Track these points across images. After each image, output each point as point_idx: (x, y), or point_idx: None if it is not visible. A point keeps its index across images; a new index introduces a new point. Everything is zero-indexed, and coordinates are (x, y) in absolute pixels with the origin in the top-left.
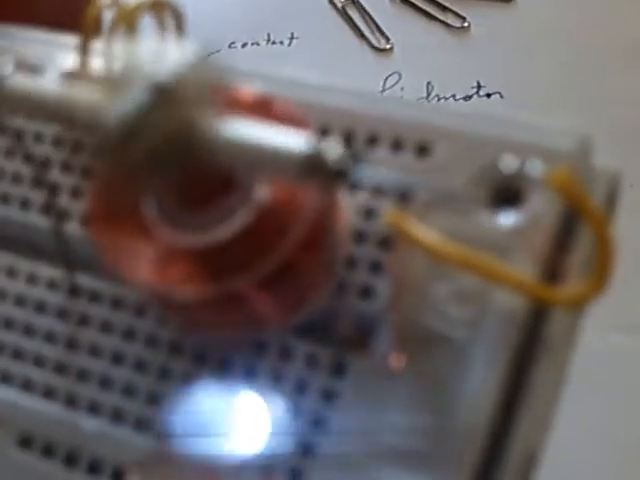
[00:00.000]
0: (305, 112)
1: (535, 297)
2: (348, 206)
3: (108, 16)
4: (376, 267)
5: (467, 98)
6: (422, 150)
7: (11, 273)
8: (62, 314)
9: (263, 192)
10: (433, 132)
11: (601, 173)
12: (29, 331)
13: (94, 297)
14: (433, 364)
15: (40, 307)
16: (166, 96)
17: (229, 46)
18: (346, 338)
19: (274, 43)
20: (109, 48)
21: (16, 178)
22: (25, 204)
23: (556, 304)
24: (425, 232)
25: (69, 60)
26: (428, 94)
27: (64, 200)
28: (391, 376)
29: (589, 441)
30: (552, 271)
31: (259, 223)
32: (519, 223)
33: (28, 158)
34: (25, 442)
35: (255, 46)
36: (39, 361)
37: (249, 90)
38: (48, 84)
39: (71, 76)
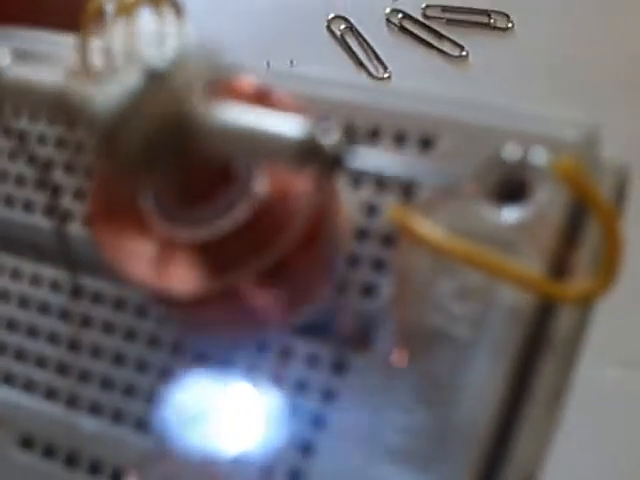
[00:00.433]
0: (307, 105)
1: (541, 293)
2: (350, 203)
3: (109, 10)
4: (379, 264)
5: None
6: (425, 142)
7: (15, 274)
8: (65, 315)
9: (261, 186)
10: (436, 124)
11: (609, 165)
12: (32, 332)
13: (96, 298)
14: (436, 362)
15: (43, 308)
16: (160, 82)
17: None
18: (347, 337)
19: None
20: (108, 40)
21: (20, 180)
22: (29, 206)
23: (563, 301)
24: (428, 228)
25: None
26: None
27: (67, 201)
28: (393, 375)
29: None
30: (559, 267)
31: (258, 218)
32: (524, 217)
33: (31, 159)
34: (26, 443)
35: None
36: (41, 362)
37: (247, 80)
38: (44, 75)
39: (72, 72)
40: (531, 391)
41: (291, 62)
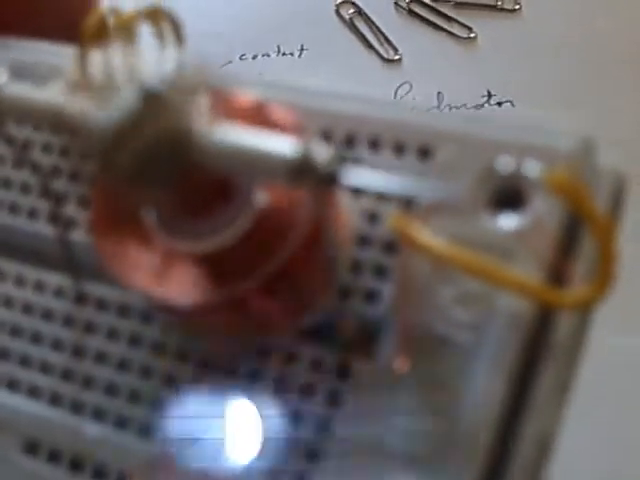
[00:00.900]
0: (306, 117)
1: (540, 300)
2: (351, 210)
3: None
4: (380, 271)
5: (478, 107)
6: (424, 153)
7: (19, 281)
8: (69, 321)
9: (261, 198)
10: (435, 135)
11: (606, 174)
12: (36, 338)
13: (100, 304)
14: (438, 368)
15: (47, 314)
16: (157, 100)
17: (240, 58)
18: (351, 342)
19: (284, 54)
20: (106, 55)
21: (24, 188)
22: (33, 214)
23: (561, 307)
24: (429, 236)
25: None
26: (439, 104)
27: (71, 209)
28: (396, 379)
29: (594, 444)
30: (556, 274)
31: (258, 229)
32: (521, 225)
33: (35, 167)
34: (30, 448)
35: (266, 57)
36: (45, 368)
37: (244, 97)
38: (42, 92)
39: (72, 86)
40: (532, 395)
41: (302, 47)
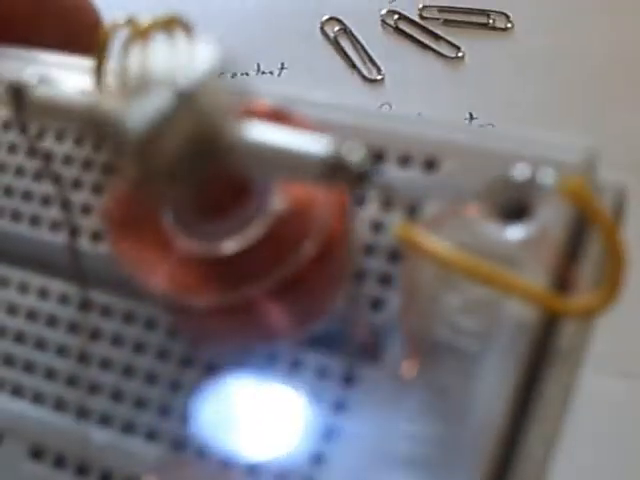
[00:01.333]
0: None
1: (547, 307)
2: (357, 220)
3: (121, 35)
4: (386, 279)
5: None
6: (429, 165)
7: (22, 288)
8: (74, 328)
9: (278, 203)
10: (440, 147)
11: (607, 188)
12: (41, 344)
13: (105, 311)
14: (444, 374)
15: (52, 321)
16: (188, 102)
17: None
18: (357, 349)
19: (264, 73)
20: (124, 65)
21: (26, 195)
22: (35, 221)
23: (567, 314)
24: (436, 244)
25: (78, 81)
26: None
27: (78, 216)
28: (402, 386)
29: None
30: (562, 282)
31: (274, 233)
32: (528, 235)
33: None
34: (36, 454)
35: (244, 76)
36: (51, 374)
37: (265, 103)
38: (74, 94)
39: (102, 90)
40: (537, 401)
41: (282, 65)
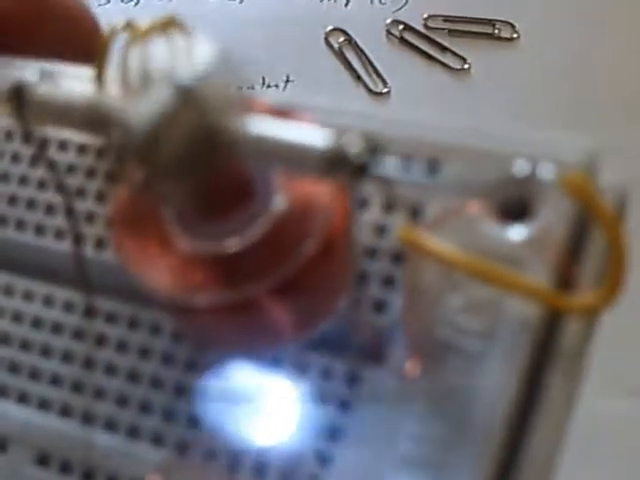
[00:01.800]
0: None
1: (549, 305)
2: (359, 222)
3: (120, 40)
4: (389, 281)
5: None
6: (431, 166)
7: (27, 296)
8: (78, 335)
9: (280, 202)
10: (442, 148)
11: (608, 190)
12: (46, 351)
13: (110, 318)
14: (448, 373)
15: (57, 328)
16: (190, 97)
17: None
18: (361, 350)
19: (269, 86)
20: (125, 65)
21: (31, 204)
22: (40, 229)
23: (570, 312)
24: (440, 245)
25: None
26: None
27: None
28: (406, 386)
29: None
30: (564, 280)
31: (276, 233)
32: (530, 234)
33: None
34: (42, 460)
35: (249, 90)
36: (56, 380)
37: (266, 102)
38: (76, 91)
39: (104, 88)
40: (541, 399)
41: (287, 78)
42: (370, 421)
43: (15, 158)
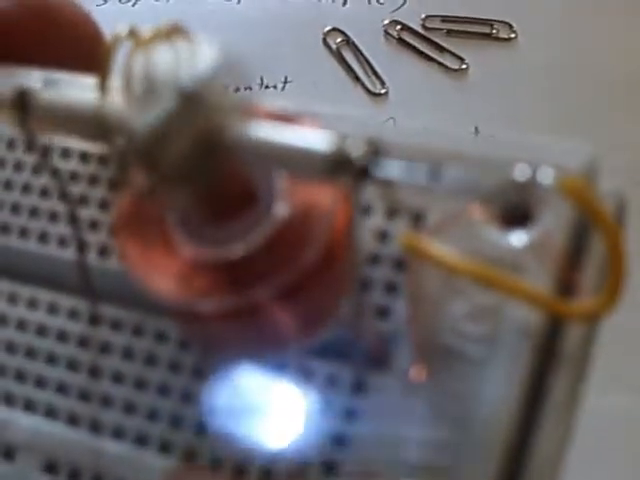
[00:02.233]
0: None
1: (550, 311)
2: (362, 229)
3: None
4: (392, 288)
5: None
6: (433, 173)
7: (32, 304)
8: (84, 342)
9: (283, 208)
10: (443, 155)
11: (608, 194)
12: (51, 359)
13: (115, 325)
14: (452, 379)
15: (62, 336)
16: (192, 102)
17: None
18: (366, 357)
19: (267, 87)
20: (128, 72)
21: (34, 212)
22: (44, 237)
23: (571, 317)
24: (442, 251)
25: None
26: None
27: (83, 232)
28: (411, 392)
29: None
30: (565, 286)
31: (278, 238)
32: (531, 240)
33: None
34: (50, 468)
35: (248, 91)
36: (62, 389)
37: (269, 105)
38: (79, 98)
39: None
40: (545, 404)
41: (285, 79)
42: (375, 427)
43: (18, 166)
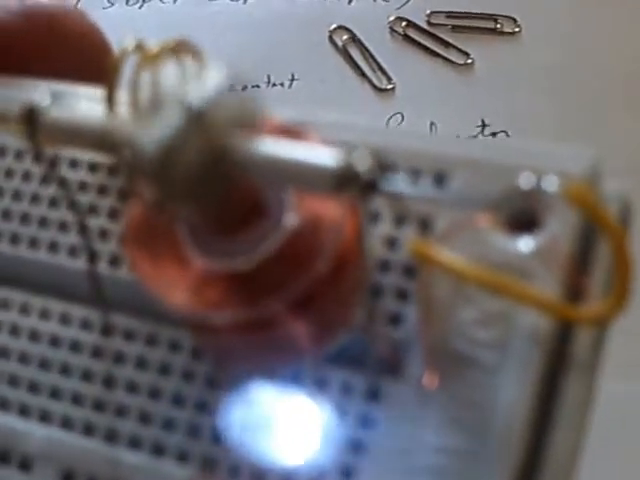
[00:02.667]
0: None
1: (559, 316)
2: (371, 236)
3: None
4: (403, 295)
5: (472, 137)
6: (439, 179)
7: (43, 315)
8: (97, 353)
9: (292, 219)
10: (449, 161)
11: (612, 198)
12: (65, 370)
13: (128, 335)
14: (465, 385)
15: (75, 347)
16: (200, 118)
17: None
18: (379, 365)
19: (274, 85)
20: (135, 88)
21: (43, 222)
22: (54, 247)
23: (580, 322)
24: (451, 258)
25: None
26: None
27: (93, 241)
28: (425, 398)
29: None
30: (574, 291)
31: (288, 249)
32: (538, 246)
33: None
34: (67, 478)
35: (255, 89)
36: (77, 399)
37: (274, 120)
38: (87, 115)
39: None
40: (557, 408)
41: (292, 76)
42: (390, 434)
43: (26, 176)
